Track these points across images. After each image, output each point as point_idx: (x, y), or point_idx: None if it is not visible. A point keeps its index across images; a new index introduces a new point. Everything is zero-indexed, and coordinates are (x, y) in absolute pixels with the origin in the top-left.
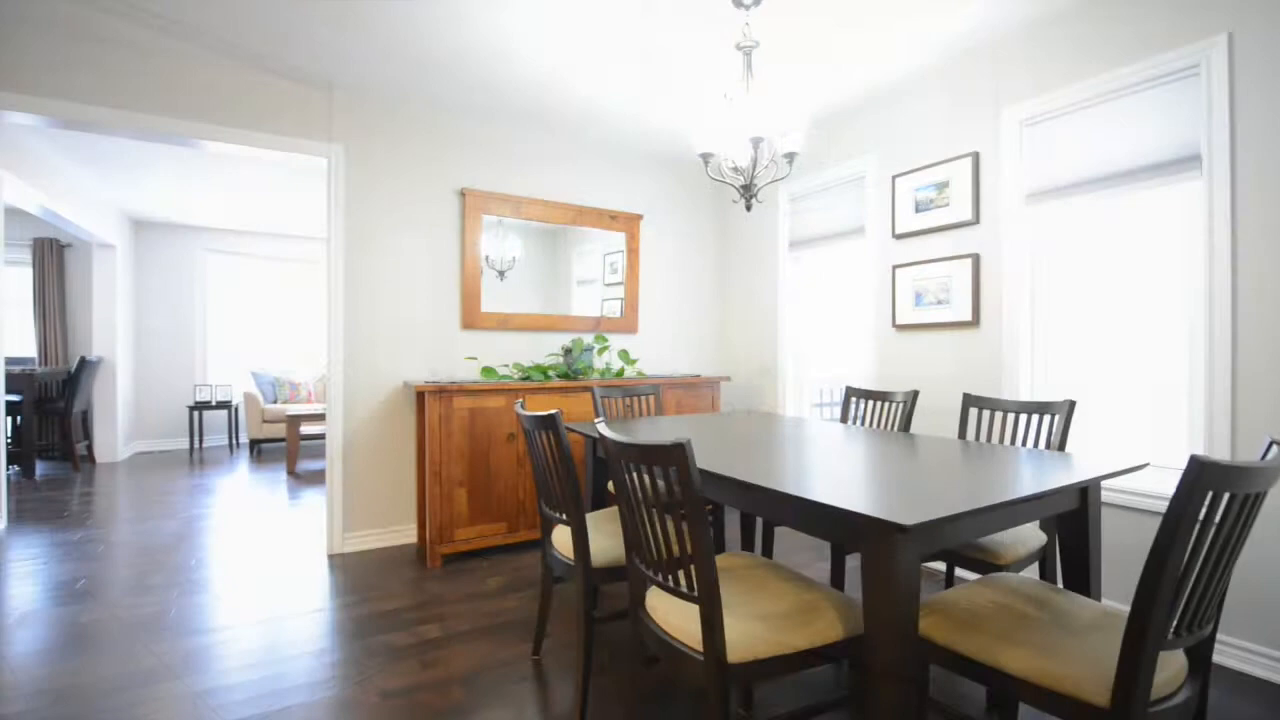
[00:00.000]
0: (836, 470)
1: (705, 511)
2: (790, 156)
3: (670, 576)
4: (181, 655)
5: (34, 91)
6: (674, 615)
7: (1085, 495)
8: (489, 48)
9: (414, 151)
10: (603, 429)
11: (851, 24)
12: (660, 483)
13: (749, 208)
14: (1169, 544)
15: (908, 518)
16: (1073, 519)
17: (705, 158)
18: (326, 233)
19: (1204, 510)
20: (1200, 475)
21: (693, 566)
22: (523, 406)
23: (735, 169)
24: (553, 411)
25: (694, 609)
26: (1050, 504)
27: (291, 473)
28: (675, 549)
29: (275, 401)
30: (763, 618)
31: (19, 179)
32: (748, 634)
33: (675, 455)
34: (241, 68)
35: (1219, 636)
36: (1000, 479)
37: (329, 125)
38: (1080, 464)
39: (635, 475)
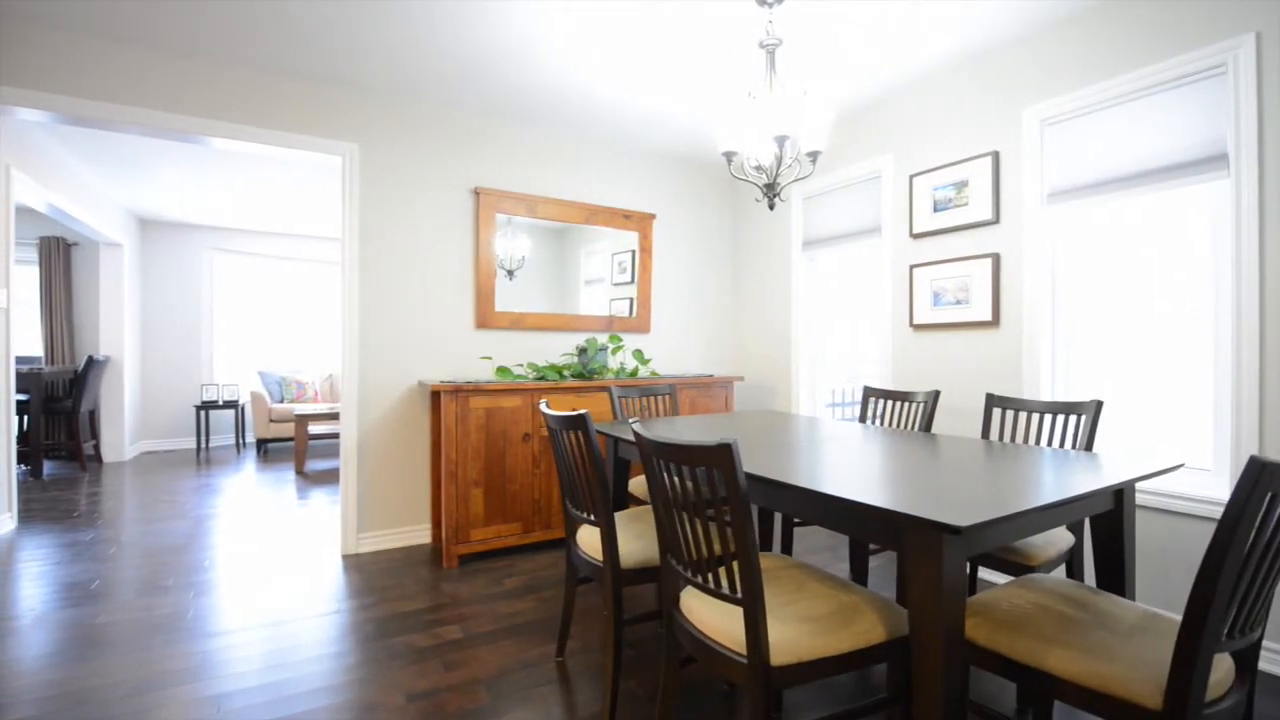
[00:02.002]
0: (870, 470)
1: (751, 514)
2: (813, 155)
3: (710, 577)
4: (200, 657)
5: (44, 87)
6: (712, 616)
7: (1120, 496)
8: (505, 47)
9: (428, 150)
10: (638, 429)
11: (870, 24)
12: (704, 485)
13: (772, 206)
14: (1227, 544)
15: (960, 519)
16: (1107, 520)
17: (728, 156)
18: (341, 231)
19: (1262, 511)
20: (1260, 476)
21: (736, 569)
22: (546, 406)
23: (758, 168)
24: (582, 411)
25: (734, 610)
26: (1088, 505)
27: (300, 472)
28: (718, 548)
29: (282, 401)
30: (805, 620)
31: (28, 177)
32: (790, 636)
33: (721, 456)
34: (255, 65)
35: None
36: (1039, 480)
37: (344, 123)
38: (1115, 465)
39: (675, 476)
